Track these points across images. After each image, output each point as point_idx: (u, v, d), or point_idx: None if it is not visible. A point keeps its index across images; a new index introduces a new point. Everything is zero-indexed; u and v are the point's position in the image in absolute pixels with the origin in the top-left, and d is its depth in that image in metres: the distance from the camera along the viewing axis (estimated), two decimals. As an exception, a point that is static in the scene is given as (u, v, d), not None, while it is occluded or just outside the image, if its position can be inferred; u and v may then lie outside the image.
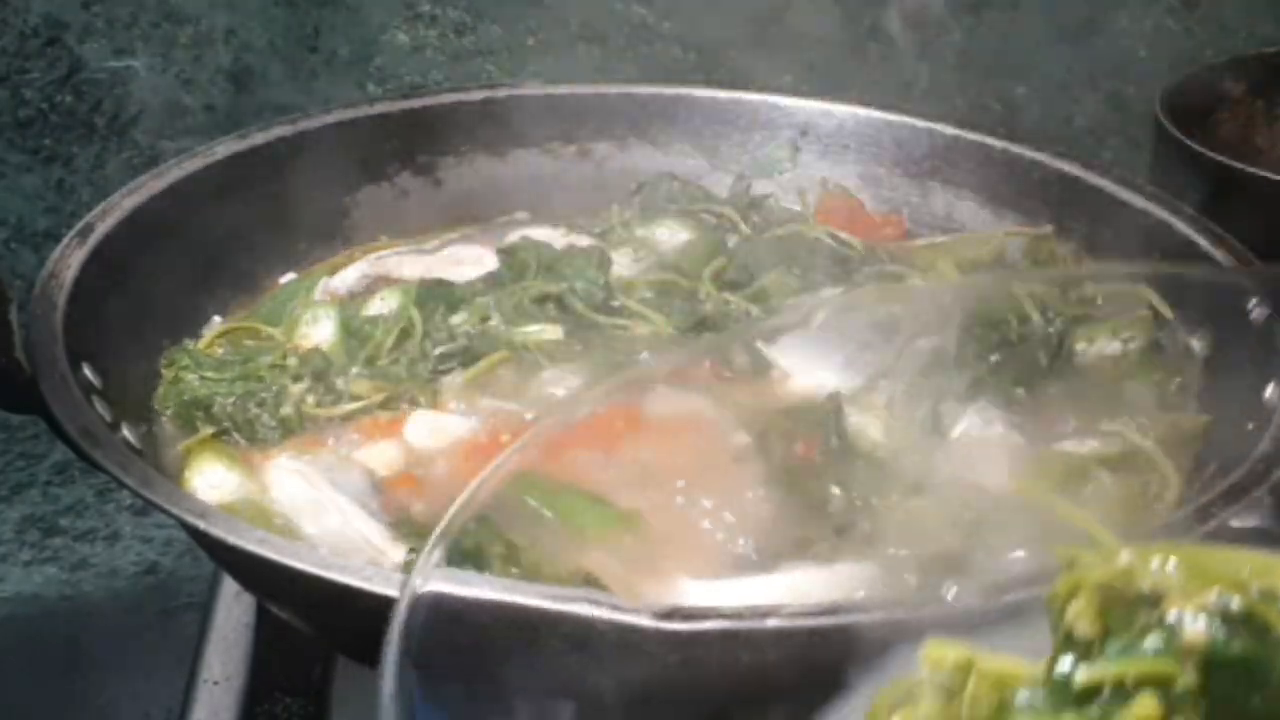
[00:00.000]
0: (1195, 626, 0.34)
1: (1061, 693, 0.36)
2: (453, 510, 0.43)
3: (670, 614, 0.46)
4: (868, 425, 0.65)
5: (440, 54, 1.06)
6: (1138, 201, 0.81)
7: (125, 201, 0.77)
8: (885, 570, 0.57)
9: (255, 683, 0.76)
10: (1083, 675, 0.35)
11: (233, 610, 0.80)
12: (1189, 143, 0.92)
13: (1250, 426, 0.59)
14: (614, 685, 0.44)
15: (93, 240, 0.74)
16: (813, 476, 0.62)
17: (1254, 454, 0.56)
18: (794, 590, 0.55)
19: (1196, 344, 0.70)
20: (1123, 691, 0.35)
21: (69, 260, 0.72)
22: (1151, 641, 0.35)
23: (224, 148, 0.84)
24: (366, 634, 0.62)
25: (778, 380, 0.70)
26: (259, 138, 0.85)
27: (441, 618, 0.40)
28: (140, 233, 0.77)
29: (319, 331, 0.78)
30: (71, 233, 0.74)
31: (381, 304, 0.80)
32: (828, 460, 0.63)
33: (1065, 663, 0.36)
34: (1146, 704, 0.34)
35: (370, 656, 0.66)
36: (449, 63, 1.07)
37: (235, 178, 0.83)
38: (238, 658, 0.77)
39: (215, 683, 0.76)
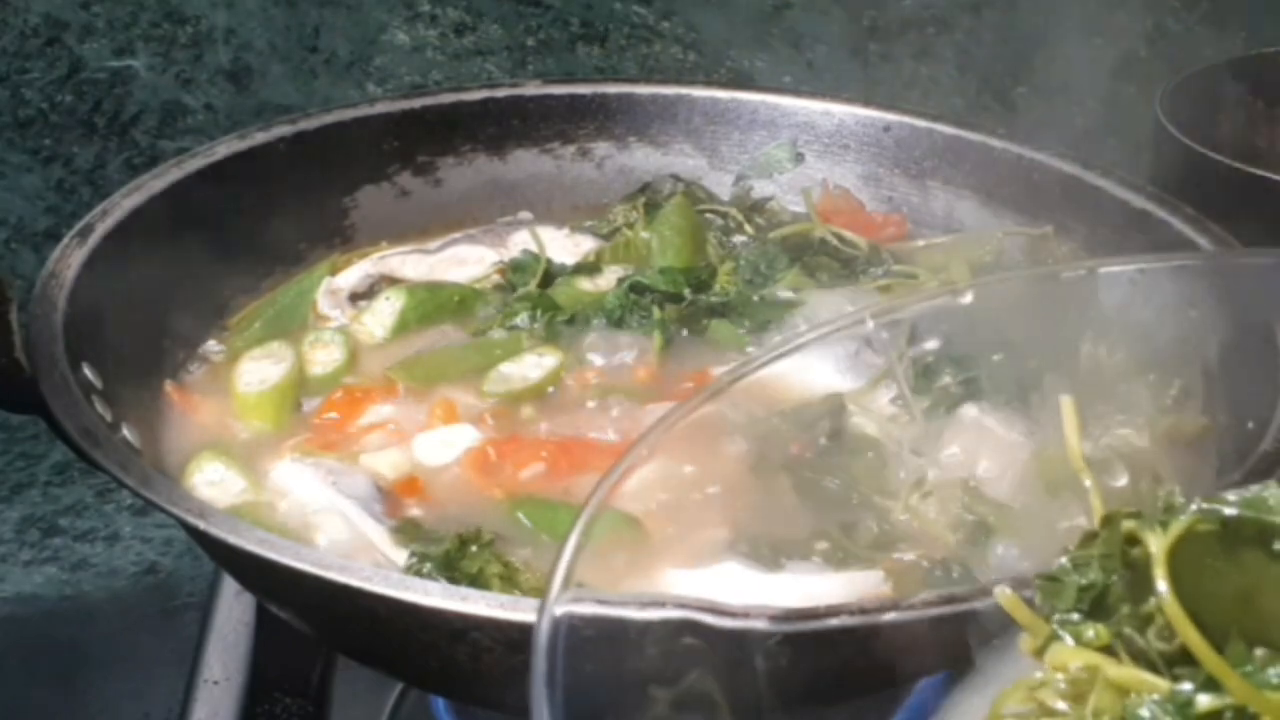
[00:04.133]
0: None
1: (1183, 711, 0.36)
2: (585, 516, 0.43)
3: (788, 616, 0.46)
4: (867, 425, 0.65)
5: (440, 54, 1.06)
6: (1137, 201, 0.81)
7: (125, 201, 0.77)
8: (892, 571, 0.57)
9: (255, 683, 0.76)
10: (1206, 701, 0.36)
11: (233, 610, 0.80)
12: (1189, 143, 0.92)
13: (1250, 425, 0.59)
14: (728, 691, 0.44)
15: (93, 240, 0.74)
16: (815, 477, 0.62)
17: (1255, 453, 0.57)
18: (806, 592, 0.55)
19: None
20: (1245, 715, 0.36)
21: (69, 260, 0.72)
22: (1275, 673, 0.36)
23: (224, 148, 0.84)
24: (367, 634, 0.62)
25: (778, 381, 0.70)
26: (259, 138, 0.85)
27: (577, 638, 0.40)
28: (140, 233, 0.77)
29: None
30: (71, 233, 0.74)
31: (387, 304, 0.80)
32: (830, 461, 0.63)
33: (1187, 685, 0.37)
34: None
35: (369, 656, 0.67)
36: (449, 63, 1.06)
37: (235, 178, 0.83)
38: (238, 657, 0.77)
39: (215, 682, 0.76)
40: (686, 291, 0.81)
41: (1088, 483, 0.48)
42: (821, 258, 0.85)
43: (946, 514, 0.59)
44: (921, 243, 0.89)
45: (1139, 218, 0.80)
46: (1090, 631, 0.40)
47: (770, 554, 0.57)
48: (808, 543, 0.59)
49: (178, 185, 0.80)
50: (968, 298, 0.54)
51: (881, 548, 0.59)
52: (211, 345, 0.80)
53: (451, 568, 0.61)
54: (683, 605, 0.44)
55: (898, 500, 0.61)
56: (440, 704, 0.73)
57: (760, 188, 0.93)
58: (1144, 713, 0.38)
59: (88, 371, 0.67)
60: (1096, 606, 0.41)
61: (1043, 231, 0.86)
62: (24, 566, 0.92)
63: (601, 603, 0.42)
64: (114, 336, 0.72)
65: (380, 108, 0.91)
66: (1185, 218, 0.78)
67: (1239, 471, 0.56)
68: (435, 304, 0.81)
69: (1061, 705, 0.40)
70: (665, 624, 0.43)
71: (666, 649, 0.43)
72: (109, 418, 0.65)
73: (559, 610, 0.40)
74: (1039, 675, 0.41)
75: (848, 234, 0.86)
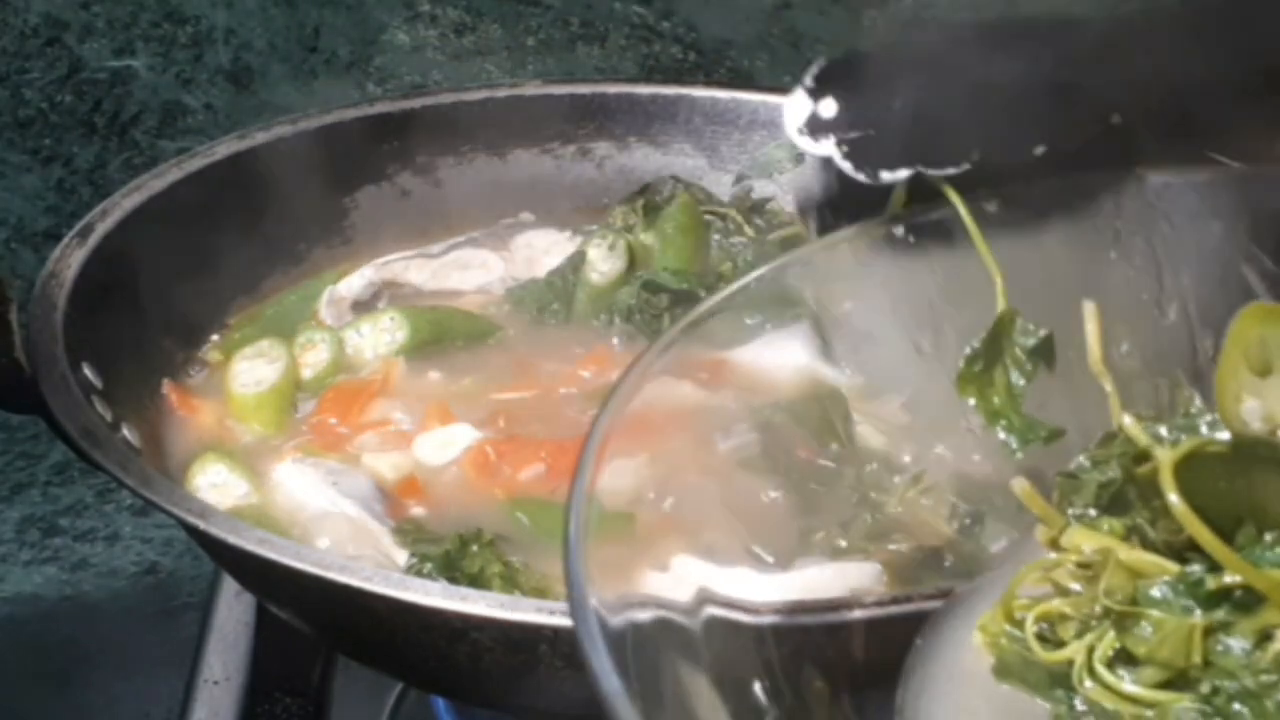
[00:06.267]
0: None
1: (1193, 591, 0.37)
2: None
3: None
4: (875, 438, 0.65)
5: (440, 54, 1.06)
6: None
7: (125, 201, 0.77)
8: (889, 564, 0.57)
9: (255, 683, 0.76)
10: (1214, 581, 0.37)
11: (233, 610, 0.80)
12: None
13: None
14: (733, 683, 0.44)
15: (93, 240, 0.74)
16: (821, 489, 0.61)
17: None
18: (802, 584, 0.55)
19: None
20: (1251, 596, 0.37)
21: (69, 260, 0.72)
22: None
23: (224, 148, 0.84)
24: (367, 634, 0.62)
25: (772, 373, 0.70)
26: (259, 137, 0.85)
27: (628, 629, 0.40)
28: (140, 233, 0.77)
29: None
30: (71, 233, 0.74)
31: (386, 334, 0.79)
32: (837, 468, 0.63)
33: (1197, 567, 0.39)
34: (1273, 615, 0.36)
35: (369, 657, 0.67)
36: (449, 63, 1.06)
37: (235, 178, 0.83)
38: (238, 658, 0.77)
39: (215, 683, 0.76)
40: (702, 291, 0.80)
41: (1108, 386, 0.49)
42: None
43: (941, 505, 0.59)
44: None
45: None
46: (1105, 526, 0.42)
47: (769, 550, 0.57)
48: (804, 537, 0.59)
49: (178, 185, 0.80)
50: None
51: (875, 539, 0.59)
52: (211, 346, 0.80)
53: (452, 568, 0.61)
54: (711, 600, 0.44)
55: (892, 495, 0.61)
56: (440, 704, 0.73)
57: (760, 188, 0.93)
58: (1155, 592, 0.39)
59: (88, 371, 0.67)
60: (1114, 503, 0.43)
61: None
62: (24, 566, 0.92)
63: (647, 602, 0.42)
64: (114, 336, 0.72)
65: (380, 108, 0.91)
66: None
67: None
68: (436, 333, 0.80)
69: (1075, 586, 0.42)
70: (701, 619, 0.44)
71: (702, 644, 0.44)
72: (109, 418, 0.65)
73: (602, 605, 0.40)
74: (1053, 557, 0.43)
75: (847, 234, 0.86)
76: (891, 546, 0.58)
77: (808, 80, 0.57)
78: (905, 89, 0.56)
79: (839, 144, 0.56)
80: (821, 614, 0.50)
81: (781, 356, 0.67)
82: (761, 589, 0.52)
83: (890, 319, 0.58)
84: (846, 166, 0.56)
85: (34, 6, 0.96)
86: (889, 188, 0.57)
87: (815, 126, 0.57)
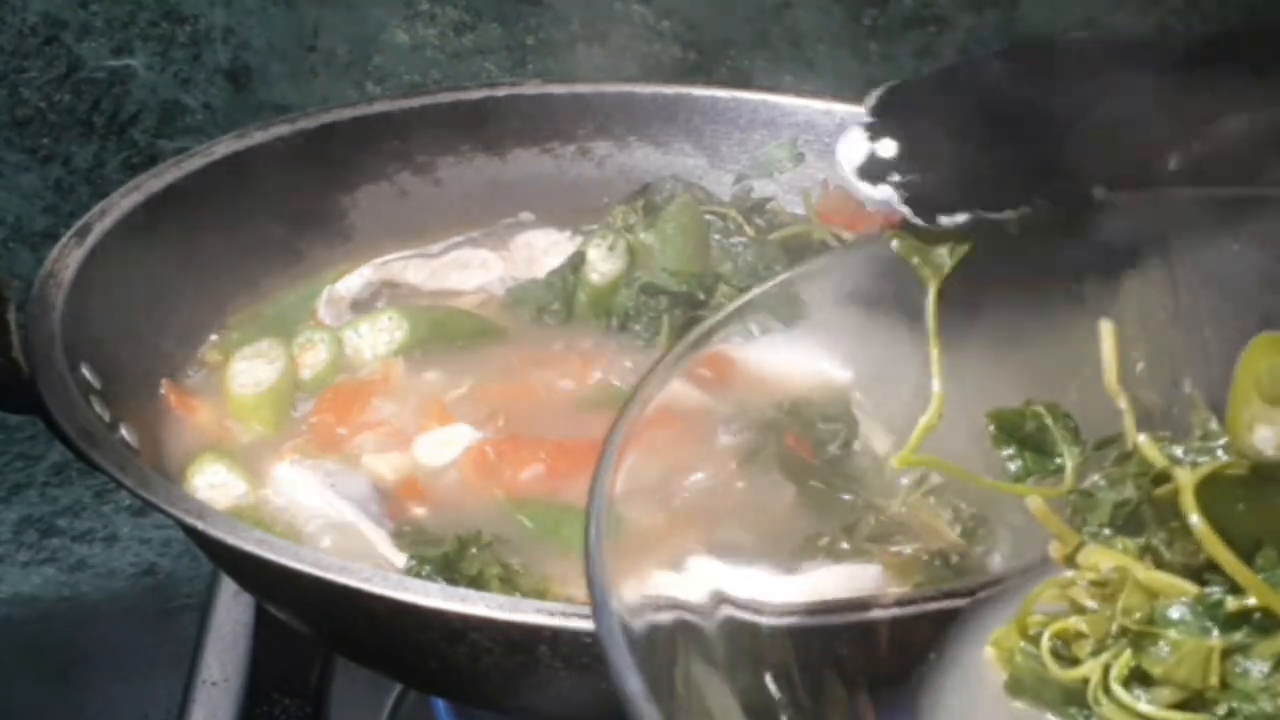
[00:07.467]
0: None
1: (1211, 613, 0.37)
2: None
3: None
4: (879, 442, 0.65)
5: (440, 53, 1.06)
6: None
7: (124, 201, 0.77)
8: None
9: (254, 684, 0.76)
10: (1234, 603, 0.37)
11: (231, 611, 0.80)
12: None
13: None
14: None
15: (91, 240, 0.74)
16: (825, 490, 0.61)
17: None
18: (807, 586, 0.55)
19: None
20: (1270, 620, 0.37)
21: (67, 260, 0.72)
22: None
23: (223, 147, 0.84)
24: (366, 635, 0.62)
25: (778, 374, 0.70)
26: (258, 137, 0.85)
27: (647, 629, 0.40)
28: (139, 232, 0.77)
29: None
30: (70, 232, 0.74)
31: (384, 334, 0.79)
32: (839, 470, 0.62)
33: (1217, 588, 0.39)
34: None
35: (369, 658, 0.67)
36: (448, 62, 1.06)
37: (234, 177, 0.83)
38: (236, 659, 0.77)
39: (214, 684, 0.76)
40: (701, 295, 0.80)
41: (1122, 404, 0.49)
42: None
43: (944, 507, 0.59)
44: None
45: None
46: (1120, 545, 0.42)
47: (775, 552, 0.57)
48: (809, 539, 0.59)
49: (176, 185, 0.80)
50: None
51: (878, 541, 0.59)
52: (210, 346, 0.80)
53: (451, 569, 0.61)
54: (727, 600, 0.44)
55: (895, 497, 0.61)
56: (439, 705, 0.73)
57: (760, 187, 0.93)
58: (1174, 613, 0.39)
59: (86, 372, 0.67)
60: (1130, 522, 0.43)
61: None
62: (22, 567, 0.91)
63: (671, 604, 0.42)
64: (112, 336, 0.72)
65: (379, 107, 0.90)
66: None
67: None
68: (435, 333, 0.80)
69: (1091, 604, 0.42)
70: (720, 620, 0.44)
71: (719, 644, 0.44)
72: (107, 418, 0.65)
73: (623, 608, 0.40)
74: (1069, 574, 0.43)
75: (847, 234, 0.85)
76: (894, 549, 0.58)
77: (865, 114, 0.55)
78: (965, 127, 0.54)
79: (898, 187, 0.54)
80: (842, 614, 0.50)
81: (787, 358, 0.67)
82: (769, 590, 0.51)
83: (896, 322, 0.57)
84: (905, 211, 0.54)
85: (32, 5, 0.96)
86: None
87: (874, 169, 0.55)
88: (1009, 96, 0.54)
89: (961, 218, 0.54)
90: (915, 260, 0.52)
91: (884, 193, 0.54)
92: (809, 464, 0.62)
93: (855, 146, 0.55)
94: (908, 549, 0.58)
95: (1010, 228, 0.54)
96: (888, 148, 0.54)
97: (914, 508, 0.59)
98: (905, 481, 0.60)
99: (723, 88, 0.96)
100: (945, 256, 0.53)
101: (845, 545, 0.57)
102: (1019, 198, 0.54)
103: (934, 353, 0.51)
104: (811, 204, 0.91)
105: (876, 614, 0.49)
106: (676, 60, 1.10)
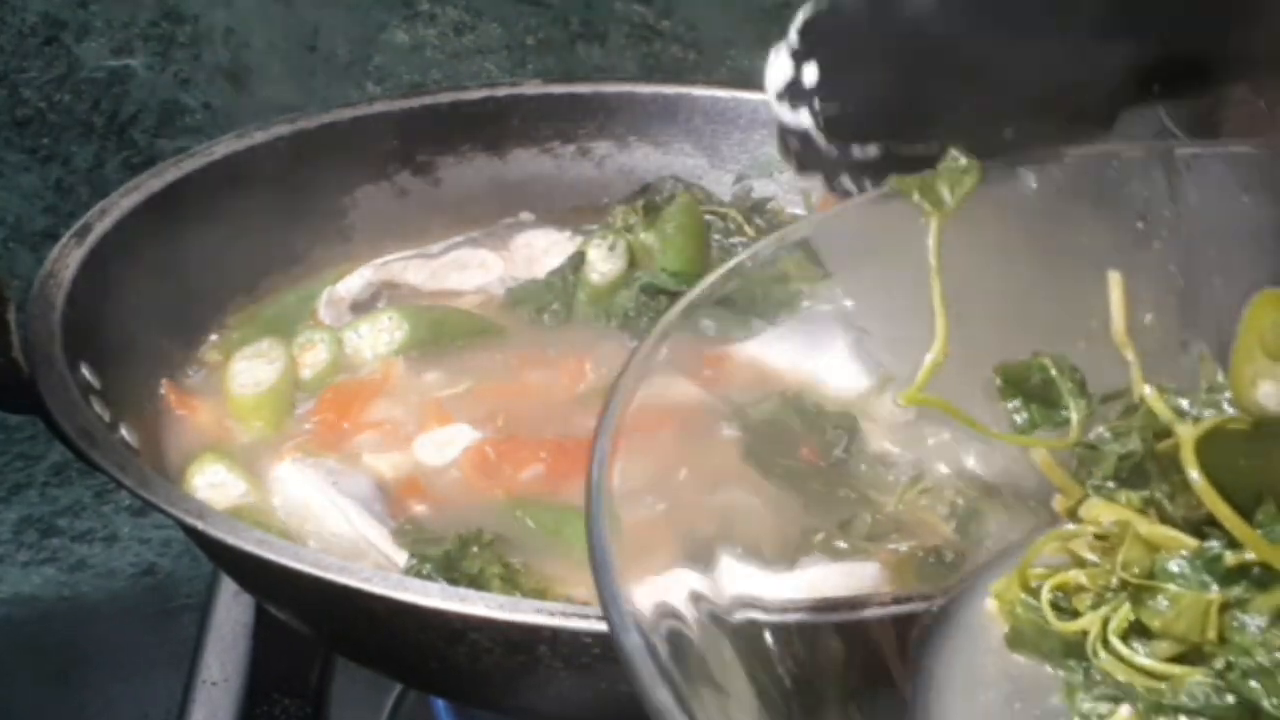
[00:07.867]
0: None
1: (1210, 567, 0.37)
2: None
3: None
4: (882, 442, 0.65)
5: (440, 53, 1.06)
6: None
7: (124, 201, 0.77)
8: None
9: (254, 684, 0.76)
10: (1232, 557, 0.37)
11: (231, 611, 0.80)
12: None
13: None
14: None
15: (91, 240, 0.74)
16: (826, 490, 0.61)
17: None
18: (804, 584, 0.55)
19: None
20: (1269, 574, 0.37)
21: (67, 260, 0.72)
22: None
23: (222, 147, 0.84)
24: (366, 635, 0.62)
25: (774, 370, 0.70)
26: (258, 137, 0.85)
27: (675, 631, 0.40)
28: (139, 232, 0.77)
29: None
30: (69, 232, 0.74)
31: (384, 334, 0.79)
32: (841, 471, 0.62)
33: (1216, 542, 0.40)
34: None
35: (369, 657, 0.67)
36: (448, 62, 1.06)
37: (234, 177, 0.83)
38: (236, 659, 0.77)
39: (214, 684, 0.76)
40: None
41: (1130, 355, 0.49)
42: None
43: (941, 504, 0.59)
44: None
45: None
46: (1123, 498, 0.42)
47: (773, 550, 0.57)
48: (805, 536, 0.59)
49: (176, 185, 0.80)
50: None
51: (875, 539, 0.59)
52: (210, 346, 0.80)
53: (452, 568, 0.61)
54: (740, 601, 0.44)
55: (892, 495, 0.61)
56: (439, 705, 0.73)
57: (761, 187, 0.93)
58: (1173, 566, 0.39)
59: (86, 372, 0.67)
60: (1134, 475, 0.43)
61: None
62: (22, 567, 0.91)
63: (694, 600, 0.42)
64: (112, 336, 0.72)
65: (379, 107, 0.90)
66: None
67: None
68: (435, 333, 0.80)
69: (1092, 557, 0.42)
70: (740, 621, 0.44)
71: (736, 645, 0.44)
72: (107, 418, 0.65)
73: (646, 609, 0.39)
74: (1071, 527, 0.43)
75: (847, 234, 0.85)
76: (891, 546, 0.58)
77: (792, 36, 0.54)
78: (887, 57, 0.54)
79: (816, 114, 0.54)
80: (848, 611, 0.50)
81: (782, 354, 0.67)
82: (767, 588, 0.51)
83: (890, 310, 0.57)
84: (819, 138, 0.54)
85: (32, 5, 0.96)
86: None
87: (796, 94, 0.54)
88: (936, 30, 0.53)
89: (873, 149, 0.53)
90: (915, 196, 0.52)
91: (802, 118, 0.54)
92: (805, 461, 0.62)
93: (780, 71, 0.55)
94: (904, 546, 0.58)
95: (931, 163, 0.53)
96: (811, 74, 0.54)
97: (910, 505, 0.59)
98: (900, 479, 0.60)
99: (723, 88, 0.96)
100: (947, 193, 0.52)
101: (841, 543, 0.57)
102: (934, 133, 0.53)
103: (935, 288, 0.51)
104: (811, 204, 0.91)
105: (874, 612, 0.49)
106: (676, 60, 1.10)
